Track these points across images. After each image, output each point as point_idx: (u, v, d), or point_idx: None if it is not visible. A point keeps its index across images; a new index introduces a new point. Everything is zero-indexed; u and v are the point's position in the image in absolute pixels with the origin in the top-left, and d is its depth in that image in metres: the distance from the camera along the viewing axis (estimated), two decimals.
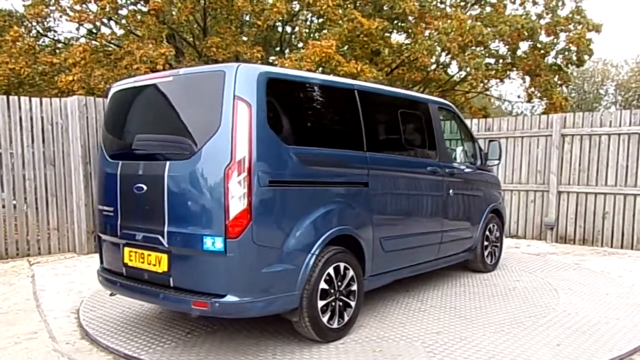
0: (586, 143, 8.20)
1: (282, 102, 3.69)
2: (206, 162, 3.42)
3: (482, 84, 16.84)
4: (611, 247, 7.98)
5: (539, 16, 15.38)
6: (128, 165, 3.92)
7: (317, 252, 3.70)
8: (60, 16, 13.15)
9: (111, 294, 4.38)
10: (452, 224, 5.52)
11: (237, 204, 3.29)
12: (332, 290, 3.86)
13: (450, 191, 5.41)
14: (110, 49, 13.27)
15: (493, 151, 6.19)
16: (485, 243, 6.16)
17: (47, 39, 14.54)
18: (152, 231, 3.62)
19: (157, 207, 3.58)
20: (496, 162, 6.32)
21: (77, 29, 13.70)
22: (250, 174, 3.32)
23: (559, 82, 15.88)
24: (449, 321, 4.41)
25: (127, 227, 3.85)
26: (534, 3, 15.59)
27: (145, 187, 3.68)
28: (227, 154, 3.30)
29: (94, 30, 13.86)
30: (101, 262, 4.34)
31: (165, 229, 3.54)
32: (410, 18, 14.07)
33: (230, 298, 3.33)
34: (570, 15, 14.80)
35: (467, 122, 9.66)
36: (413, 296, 5.19)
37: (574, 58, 15.03)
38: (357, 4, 14.39)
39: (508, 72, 16.43)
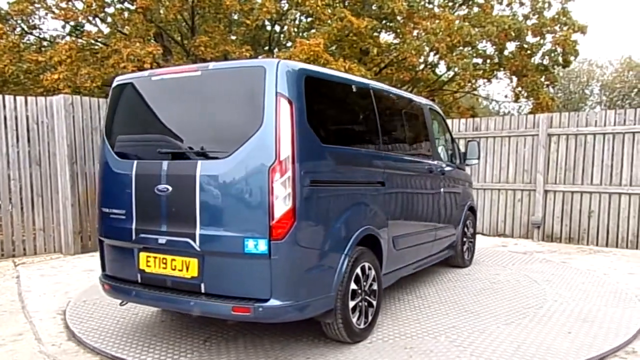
0: (572, 142, 8.30)
1: (316, 100, 3.56)
2: (247, 161, 3.25)
3: (470, 84, 16.98)
4: (597, 245, 8.08)
5: (526, 17, 15.53)
6: (146, 164, 3.65)
7: (349, 253, 3.68)
8: (46, 14, 12.98)
9: (122, 304, 4.11)
10: (443, 220, 5.69)
11: (282, 205, 3.17)
12: (359, 291, 3.84)
13: (442, 189, 5.59)
14: (96, 47, 13.14)
15: (472, 151, 6.36)
16: (464, 239, 6.37)
17: (32, 37, 14.34)
18: (180, 234, 3.41)
19: (186, 209, 3.38)
20: (475, 161, 6.49)
21: (63, 26, 13.56)
22: (294, 174, 3.21)
23: (546, 83, 16.06)
24: (458, 316, 4.51)
25: (145, 230, 3.59)
26: (521, 4, 15.74)
27: (170, 188, 3.45)
28: (271, 153, 3.17)
29: (80, 28, 13.70)
30: (103, 269, 4.04)
31: (197, 232, 3.34)
32: (398, 18, 14.12)
33: (273, 302, 3.19)
34: (556, 17, 14.97)
35: (456, 121, 9.75)
36: (411, 293, 5.25)
37: (560, 59, 15.23)
38: (347, 3, 14.41)
39: (495, 72, 16.60)
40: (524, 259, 7.04)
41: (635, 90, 27.98)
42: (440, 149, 5.96)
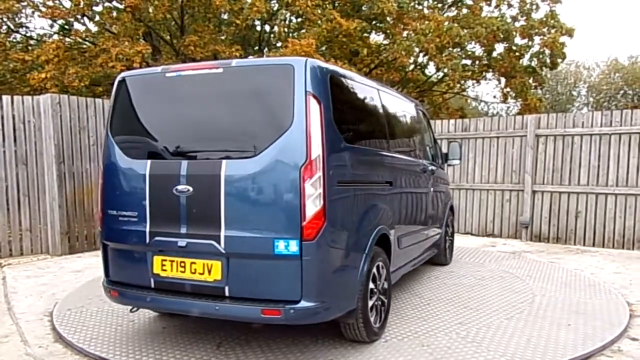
0: (559, 143, 8.38)
1: (338, 99, 3.52)
2: (276, 161, 3.17)
3: (459, 85, 17.09)
4: (583, 245, 8.17)
5: (514, 19, 15.65)
6: (162, 164, 3.50)
7: (369, 252, 3.69)
8: (33, 12, 12.82)
9: (133, 310, 4.02)
10: (432, 219, 5.83)
11: (313, 205, 3.12)
12: (375, 290, 3.85)
13: (432, 188, 5.73)
14: (84, 46, 13.02)
15: (453, 151, 6.49)
16: (446, 237, 6.53)
17: (18, 36, 14.18)
18: (203, 236, 3.29)
19: (209, 210, 3.27)
20: (457, 161, 6.62)
21: (51, 25, 13.42)
22: (324, 174, 3.16)
23: (534, 84, 16.20)
24: (459, 312, 4.59)
25: (160, 233, 3.43)
26: (509, 6, 15.87)
27: (191, 189, 3.32)
28: (302, 152, 3.11)
29: (68, 27, 13.57)
30: (107, 274, 3.83)
31: (222, 234, 3.24)
32: (388, 19, 14.17)
33: (304, 303, 3.13)
34: (544, 19, 15.10)
35: (445, 122, 9.81)
36: (405, 292, 5.31)
37: (548, 61, 15.37)
38: (336, 4, 14.43)
39: (484, 73, 16.71)
40: (499, 256, 7.27)
41: (621, 92, 28.32)
42: (427, 149, 6.06)
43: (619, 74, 28.81)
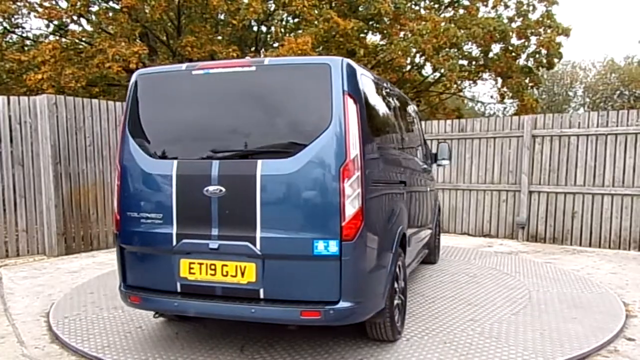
0: (556, 144, 8.40)
1: (367, 99, 3.53)
2: (315, 160, 3.14)
3: (455, 85, 17.12)
4: (580, 245, 8.19)
5: (511, 19, 15.70)
6: (191, 164, 3.41)
7: (395, 251, 3.73)
8: (29, 13, 12.80)
9: (156, 315, 3.89)
10: (429, 217, 5.91)
11: (352, 205, 3.10)
12: (397, 289, 3.88)
13: (428, 188, 5.82)
14: (81, 46, 12.99)
15: (442, 151, 6.50)
16: (436, 236, 6.64)
17: (14, 36, 14.14)
18: (236, 238, 3.22)
19: (244, 211, 3.20)
20: (446, 162, 6.62)
21: (47, 25, 13.38)
22: (362, 173, 3.15)
23: (530, 84, 16.25)
24: (466, 309, 4.68)
25: (189, 235, 3.33)
26: (506, 6, 15.91)
27: (223, 189, 3.25)
28: (342, 152, 3.10)
29: (64, 27, 13.54)
30: (124, 279, 3.65)
31: (258, 235, 3.18)
32: (385, 19, 14.19)
33: (343, 304, 3.11)
34: (540, 19, 15.16)
35: (442, 122, 9.83)
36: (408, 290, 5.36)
37: (544, 61, 15.42)
38: (333, 4, 14.44)
39: (481, 74, 16.75)
40: (482, 253, 7.40)
41: (618, 92, 28.42)
42: (421, 148, 6.13)
43: (615, 74, 28.92)
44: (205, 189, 3.27)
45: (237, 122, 3.43)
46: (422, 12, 15.77)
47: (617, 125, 7.87)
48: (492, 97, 26.13)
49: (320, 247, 3.10)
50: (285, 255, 3.19)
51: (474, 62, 16.50)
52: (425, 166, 5.86)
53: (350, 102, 3.16)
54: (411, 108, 5.79)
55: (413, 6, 15.75)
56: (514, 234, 8.87)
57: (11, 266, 6.68)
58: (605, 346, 3.85)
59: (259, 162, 3.22)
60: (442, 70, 14.57)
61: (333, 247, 3.09)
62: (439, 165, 6.72)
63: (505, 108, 25.98)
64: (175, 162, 3.42)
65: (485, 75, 17.04)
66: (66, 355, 3.76)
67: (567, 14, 43.29)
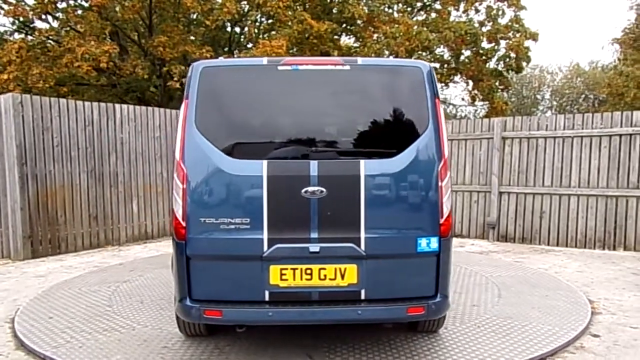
0: (525, 145, 8.59)
1: None
2: (417, 160, 3.26)
3: None
4: (548, 244, 8.39)
5: (481, 24, 16.04)
6: (285, 164, 3.25)
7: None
8: None
9: (240, 329, 3.64)
10: None
11: (448, 203, 3.28)
12: None
13: None
14: (49, 45, 12.66)
15: None
16: None
17: None
18: (339, 240, 3.16)
19: (347, 212, 3.17)
20: None
21: (12, 23, 13.00)
22: (450, 173, 3.34)
23: (500, 87, 16.61)
24: (458, 297, 5.07)
25: (283, 240, 3.16)
26: (476, 11, 16.26)
27: (325, 190, 3.15)
28: (439, 153, 3.27)
29: (29, 25, 13.18)
30: (189, 294, 3.24)
31: (362, 235, 3.16)
32: (359, 22, 14.30)
33: (439, 298, 3.28)
34: (509, 24, 15.53)
35: None
36: None
37: (513, 64, 15.81)
38: (307, 6, 14.47)
39: (452, 77, 17.03)
40: (454, 253, 7.70)
41: (583, 96, 29.28)
42: None
43: (581, 78, 29.80)
44: (304, 190, 3.15)
45: (332, 121, 3.46)
46: (395, 15, 15.95)
47: (582, 128, 8.09)
48: (463, 99, 26.66)
49: (423, 244, 3.22)
50: (389, 254, 3.24)
51: (445, 65, 16.76)
52: None
53: (439, 105, 3.36)
54: None
55: (386, 9, 15.90)
56: (485, 234, 9.04)
57: None
58: (572, 343, 3.94)
59: (362, 161, 3.22)
60: None
61: (434, 243, 3.23)
62: None
63: (476, 110, 26.47)
64: (264, 162, 3.20)
65: (457, 78, 17.35)
66: None
67: (535, 19, 44.46)
